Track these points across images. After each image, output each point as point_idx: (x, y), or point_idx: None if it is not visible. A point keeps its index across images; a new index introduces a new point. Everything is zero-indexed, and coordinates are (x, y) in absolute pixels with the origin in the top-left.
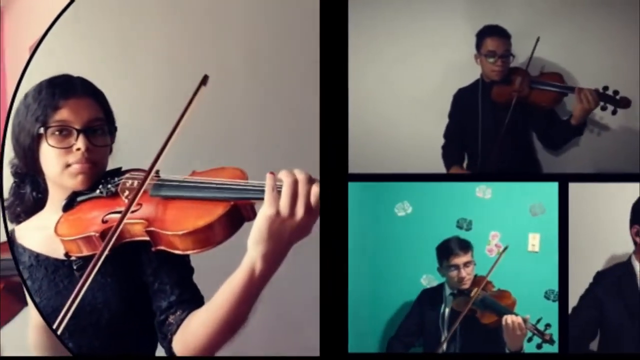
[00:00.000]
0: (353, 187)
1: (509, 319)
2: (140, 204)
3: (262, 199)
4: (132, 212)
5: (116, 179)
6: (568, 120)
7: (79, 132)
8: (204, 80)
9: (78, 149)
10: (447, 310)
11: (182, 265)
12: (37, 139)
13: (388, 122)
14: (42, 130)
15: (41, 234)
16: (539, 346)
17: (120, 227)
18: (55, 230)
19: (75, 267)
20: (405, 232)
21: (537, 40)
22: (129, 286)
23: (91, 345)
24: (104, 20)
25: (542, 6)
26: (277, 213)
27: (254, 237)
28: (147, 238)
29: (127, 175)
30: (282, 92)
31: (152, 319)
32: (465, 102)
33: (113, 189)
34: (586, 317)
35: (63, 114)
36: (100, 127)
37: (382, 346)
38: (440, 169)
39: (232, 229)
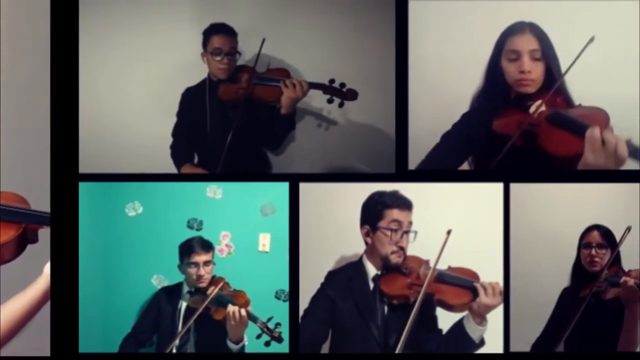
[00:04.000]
0: (84, 187)
1: (231, 308)
2: None
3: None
4: None
5: None
6: (279, 110)
7: None
8: None
9: None
10: (183, 307)
11: None
12: None
13: (118, 122)
14: None
15: None
16: (267, 344)
17: None
18: None
19: None
20: (136, 232)
21: (263, 41)
22: None
23: None
24: None
25: (269, 3)
26: None
27: None
28: None
29: None
30: (13, 92)
31: None
32: (193, 101)
33: None
34: (318, 317)
35: None
36: None
37: (113, 345)
38: (171, 168)
39: (20, 250)
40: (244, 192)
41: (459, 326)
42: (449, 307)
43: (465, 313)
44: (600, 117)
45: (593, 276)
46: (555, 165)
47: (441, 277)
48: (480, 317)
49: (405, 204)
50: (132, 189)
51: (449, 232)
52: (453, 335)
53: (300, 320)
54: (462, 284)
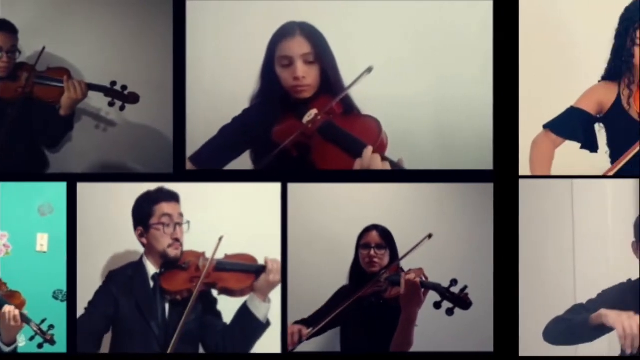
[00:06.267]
0: None
1: (6, 309)
2: None
3: None
4: None
5: None
6: (58, 110)
7: None
8: None
9: None
10: None
11: None
12: None
13: None
14: None
15: None
16: (40, 345)
17: None
18: None
19: None
20: None
21: (43, 48)
22: None
23: None
24: None
25: (50, 2)
26: None
27: None
28: None
29: None
30: None
31: None
32: None
33: None
34: (100, 310)
35: None
36: None
37: None
38: None
39: None
40: (21, 192)
41: (243, 309)
42: (232, 293)
43: (248, 297)
44: (373, 130)
45: (372, 276)
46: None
47: (221, 266)
48: (263, 294)
49: (171, 197)
50: None
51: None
52: (239, 320)
53: (83, 311)
54: (243, 268)
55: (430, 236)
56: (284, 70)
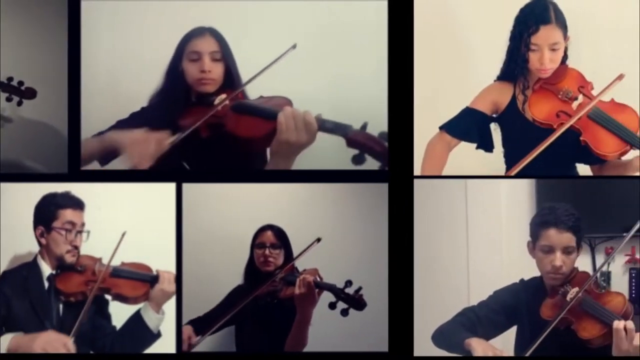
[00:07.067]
0: None
1: None
2: None
3: None
4: None
5: None
6: None
7: None
8: None
9: None
10: None
11: None
12: None
13: None
14: None
15: None
16: None
17: None
18: None
19: None
20: None
21: None
22: None
23: None
24: None
25: None
26: None
27: None
28: None
29: None
30: None
31: None
32: None
33: None
34: None
35: None
36: None
37: None
38: None
39: None
40: None
41: (136, 317)
42: (126, 300)
43: (142, 305)
44: (285, 102)
45: (267, 276)
46: (246, 149)
47: (117, 272)
48: (158, 305)
49: (78, 205)
50: None
51: (123, 235)
52: (130, 327)
53: None
54: (137, 277)
55: (319, 240)
56: (192, 64)
